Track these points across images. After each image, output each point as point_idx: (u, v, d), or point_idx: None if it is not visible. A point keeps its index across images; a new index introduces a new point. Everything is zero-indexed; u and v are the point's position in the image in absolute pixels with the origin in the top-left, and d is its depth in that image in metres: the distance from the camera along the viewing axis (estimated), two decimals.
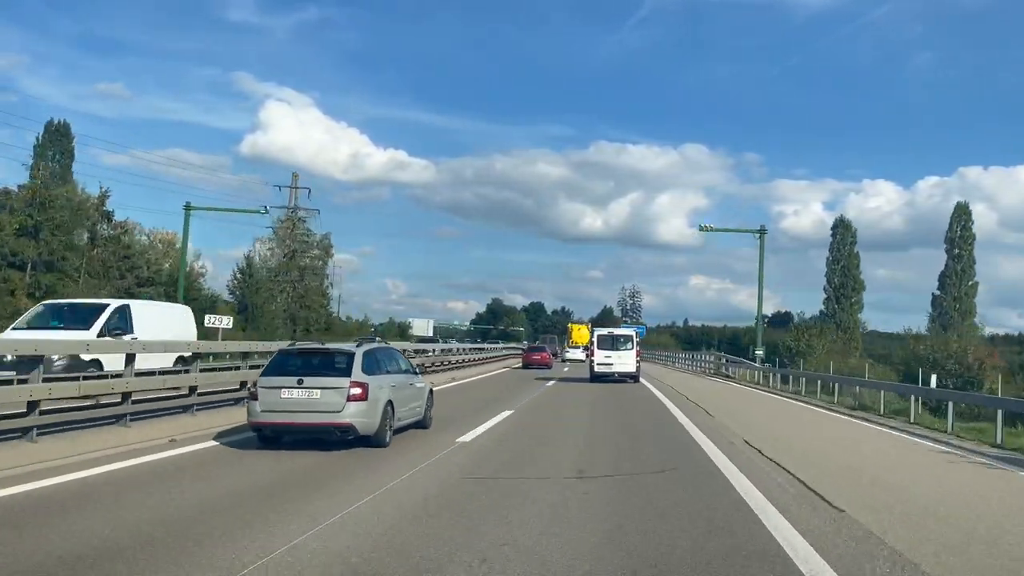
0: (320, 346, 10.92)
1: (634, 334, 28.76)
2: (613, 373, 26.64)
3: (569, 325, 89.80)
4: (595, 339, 28.08)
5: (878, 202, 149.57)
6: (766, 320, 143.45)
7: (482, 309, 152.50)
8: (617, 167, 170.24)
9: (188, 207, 43.79)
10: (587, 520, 6.51)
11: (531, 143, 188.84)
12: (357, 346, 10.44)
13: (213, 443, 10.17)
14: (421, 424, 12.00)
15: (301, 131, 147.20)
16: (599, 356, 27.00)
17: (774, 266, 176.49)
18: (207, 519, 6.18)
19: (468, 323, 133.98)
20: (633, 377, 26.72)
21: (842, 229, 70.86)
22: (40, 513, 6.34)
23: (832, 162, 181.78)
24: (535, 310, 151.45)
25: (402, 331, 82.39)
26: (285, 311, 55.20)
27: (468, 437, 11.45)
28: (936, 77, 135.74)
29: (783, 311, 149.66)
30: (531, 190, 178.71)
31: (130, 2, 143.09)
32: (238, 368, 13.65)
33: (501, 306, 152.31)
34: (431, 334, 68.40)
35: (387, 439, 10.13)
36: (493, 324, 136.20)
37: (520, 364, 42.00)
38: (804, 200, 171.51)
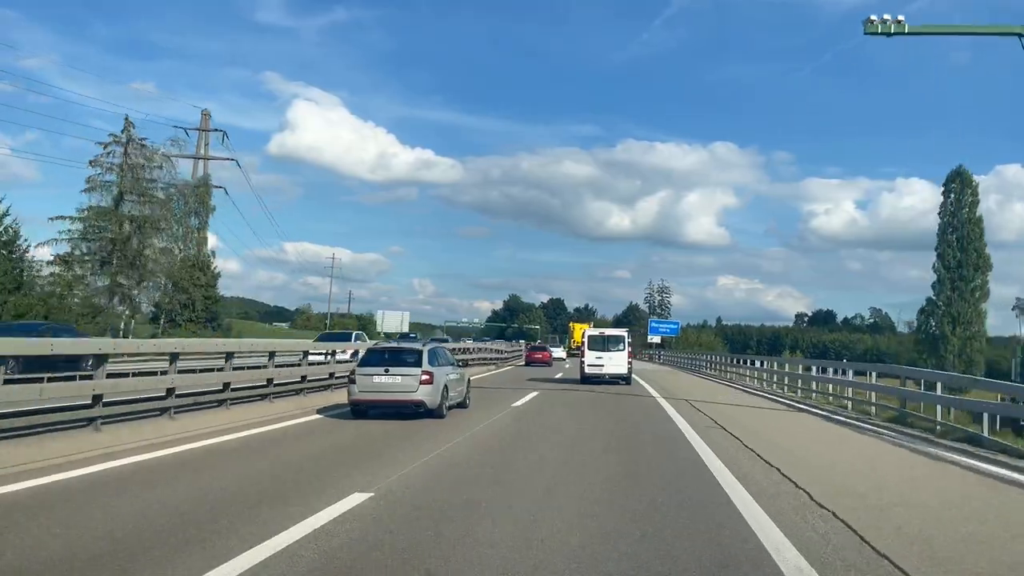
0: (398, 345, 14.87)
1: (626, 334, 28.01)
2: (604, 375, 25.98)
3: (571, 324, 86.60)
4: (585, 339, 27.43)
5: (912, 200, 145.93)
6: (805, 319, 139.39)
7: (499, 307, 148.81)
8: (644, 165, 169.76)
9: None
10: None
11: (558, 142, 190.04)
12: (424, 345, 14.40)
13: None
14: (463, 405, 15.82)
15: (329, 130, 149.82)
16: (589, 357, 26.35)
17: (803, 266, 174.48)
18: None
19: (484, 321, 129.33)
20: (625, 379, 26.06)
21: (959, 185, 51.31)
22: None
23: (865, 159, 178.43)
24: (554, 307, 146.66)
25: (364, 325, 73.54)
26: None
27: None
28: (973, 73, 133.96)
29: (824, 309, 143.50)
30: (558, 189, 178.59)
31: (162, 6, 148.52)
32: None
33: (518, 303, 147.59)
34: (406, 330, 61.01)
35: (444, 412, 14.00)
36: (509, 322, 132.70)
37: (523, 363, 46.57)
38: (836, 198, 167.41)
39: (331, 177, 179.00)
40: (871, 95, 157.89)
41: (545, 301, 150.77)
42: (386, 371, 13.43)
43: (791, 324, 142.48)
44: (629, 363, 26.43)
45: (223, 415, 12.62)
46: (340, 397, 15.26)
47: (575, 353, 61.66)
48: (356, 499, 6.83)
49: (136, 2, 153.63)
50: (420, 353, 13.87)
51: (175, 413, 11.53)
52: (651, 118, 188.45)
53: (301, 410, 14.42)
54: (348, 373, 14.10)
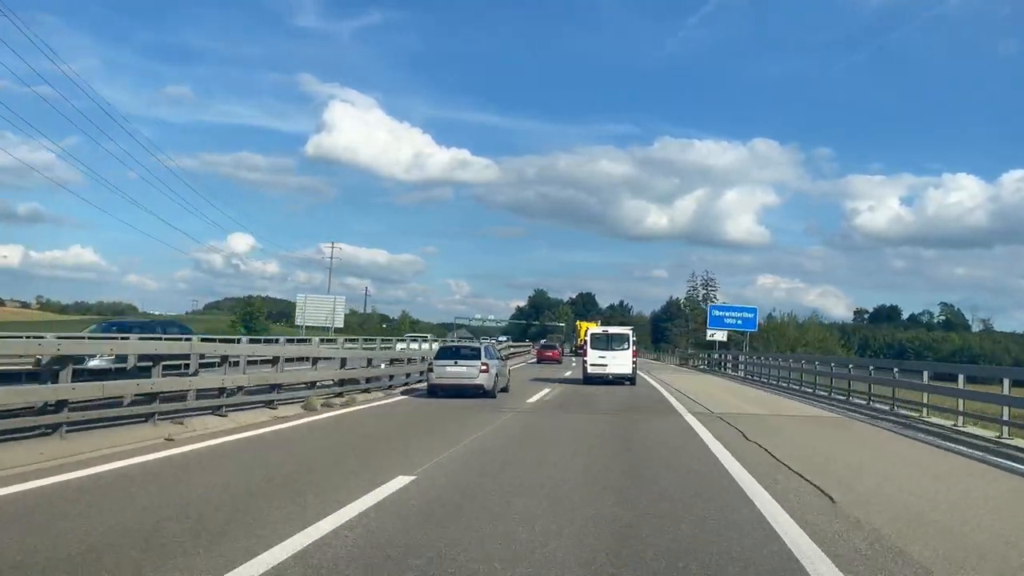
0: (462, 344, 19.65)
1: (630, 332, 27.40)
2: (608, 375, 25.49)
3: (577, 323, 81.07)
4: (588, 338, 26.92)
5: (959, 197, 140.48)
6: (865, 316, 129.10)
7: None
8: (682, 163, 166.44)
9: None
10: None
11: (594, 141, 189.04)
12: (481, 343, 19.13)
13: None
14: (505, 389, 20.43)
15: (365, 131, 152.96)
16: (592, 356, 25.85)
17: (845, 265, 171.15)
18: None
19: (508, 319, 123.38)
20: (629, 379, 25.65)
21: None
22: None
23: (909, 155, 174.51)
24: (584, 302, 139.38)
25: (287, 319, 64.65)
26: None
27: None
28: (1021, 63, 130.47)
29: (888, 305, 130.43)
30: (594, 188, 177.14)
31: (201, 12, 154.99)
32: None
33: (544, 299, 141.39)
34: (340, 324, 54.51)
35: (496, 394, 18.69)
36: (535, 319, 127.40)
37: (535, 360, 50.32)
38: (879, 195, 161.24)
39: (367, 178, 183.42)
40: (915, 88, 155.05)
41: (574, 296, 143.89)
42: (455, 363, 18.25)
43: (844, 322, 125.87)
44: (634, 362, 26.02)
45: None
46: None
47: (581, 352, 61.02)
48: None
49: (175, 9, 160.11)
50: (479, 349, 18.91)
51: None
52: (689, 116, 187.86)
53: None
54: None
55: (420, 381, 20.50)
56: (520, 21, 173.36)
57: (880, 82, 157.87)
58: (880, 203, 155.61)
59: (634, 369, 26.01)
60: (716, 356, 47.73)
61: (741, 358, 40.34)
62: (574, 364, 42.22)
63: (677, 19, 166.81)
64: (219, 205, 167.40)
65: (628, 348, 25.93)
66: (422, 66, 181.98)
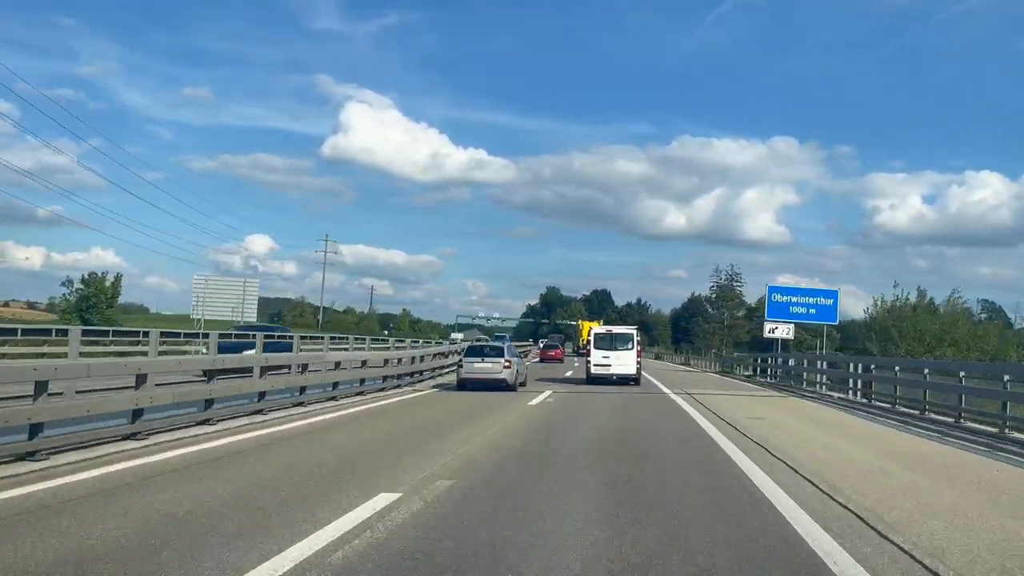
0: (488, 343, 21.92)
1: (634, 332, 26.88)
2: (611, 375, 25.34)
3: (581, 323, 78.32)
4: (592, 338, 26.70)
5: (983, 194, 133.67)
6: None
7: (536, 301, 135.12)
8: (701, 162, 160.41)
9: None
10: None
11: (611, 141, 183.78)
12: (504, 343, 21.41)
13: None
14: (523, 384, 22.64)
15: (381, 131, 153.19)
16: (596, 356, 25.70)
17: (866, 264, 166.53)
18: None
19: (519, 318, 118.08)
20: (634, 379, 25.39)
21: None
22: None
23: (932, 153, 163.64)
24: (599, 300, 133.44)
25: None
26: None
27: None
28: None
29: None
30: (611, 187, 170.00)
31: (220, 14, 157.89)
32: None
33: (556, 297, 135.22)
34: (253, 319, 42.69)
35: (517, 388, 20.94)
36: (547, 318, 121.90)
37: (537, 360, 50.66)
38: (901, 194, 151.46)
39: (383, 179, 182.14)
40: (938, 85, 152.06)
41: (588, 293, 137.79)
42: (482, 359, 20.62)
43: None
44: (638, 363, 25.85)
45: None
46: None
47: (583, 353, 56.26)
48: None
49: (194, 12, 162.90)
50: (503, 348, 21.36)
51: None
52: (707, 116, 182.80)
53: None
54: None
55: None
56: (537, 21, 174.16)
57: (902, 79, 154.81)
58: (902, 201, 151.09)
59: (638, 369, 25.91)
60: (779, 361, 32.21)
61: (853, 367, 23.19)
62: (576, 364, 42.42)
63: (695, 17, 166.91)
64: (237, 206, 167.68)
65: (632, 348, 25.77)
66: (439, 66, 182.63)
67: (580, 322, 79.41)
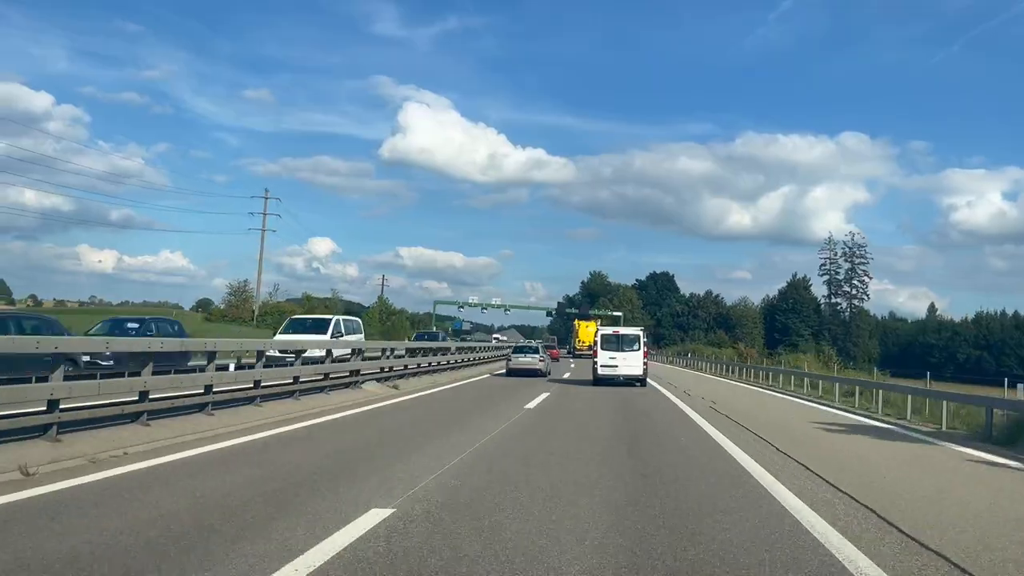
0: (527, 343, 29.97)
1: (641, 333, 27.01)
2: (618, 376, 25.65)
3: (575, 322, 74.86)
4: (598, 339, 26.78)
5: None
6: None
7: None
8: (766, 159, 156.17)
9: None
10: None
11: (672, 141, 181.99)
12: (540, 345, 29.97)
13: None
14: (548, 372, 30.48)
15: (440, 132, 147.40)
16: (603, 357, 25.85)
17: (939, 265, 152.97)
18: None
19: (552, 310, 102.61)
20: (640, 380, 25.82)
21: None
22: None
23: (1014, 147, 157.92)
24: (659, 287, 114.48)
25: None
26: None
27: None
28: None
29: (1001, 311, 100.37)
30: (672, 187, 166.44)
31: (283, 23, 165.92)
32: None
33: (601, 284, 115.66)
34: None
35: (548, 375, 29.01)
36: (591, 308, 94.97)
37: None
38: (979, 191, 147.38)
39: (442, 181, 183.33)
40: (1017, 77, 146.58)
41: (644, 278, 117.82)
42: (524, 355, 29.05)
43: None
44: (644, 363, 25.99)
45: (452, 374, 27.33)
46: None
47: (580, 354, 60.10)
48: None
49: (259, 20, 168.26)
50: (538, 348, 30.23)
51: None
52: (771, 114, 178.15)
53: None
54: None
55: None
56: (596, 22, 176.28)
57: (979, 72, 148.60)
58: (980, 198, 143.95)
59: (645, 370, 26.03)
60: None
61: None
62: (572, 365, 43.19)
63: (756, 15, 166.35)
64: (300, 209, 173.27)
65: (639, 349, 26.02)
66: (498, 68, 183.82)
67: (576, 322, 73.61)
